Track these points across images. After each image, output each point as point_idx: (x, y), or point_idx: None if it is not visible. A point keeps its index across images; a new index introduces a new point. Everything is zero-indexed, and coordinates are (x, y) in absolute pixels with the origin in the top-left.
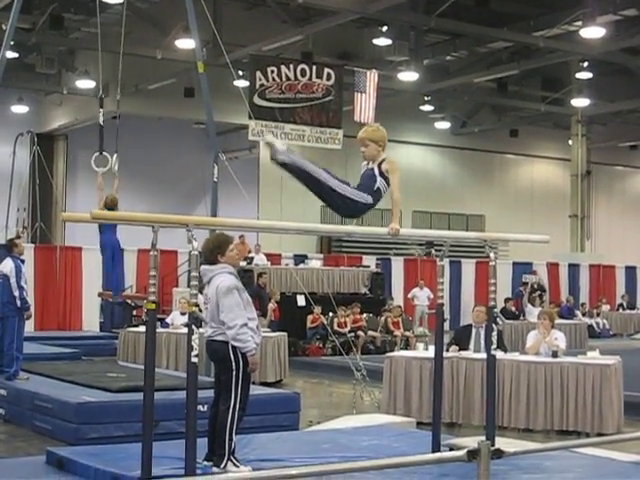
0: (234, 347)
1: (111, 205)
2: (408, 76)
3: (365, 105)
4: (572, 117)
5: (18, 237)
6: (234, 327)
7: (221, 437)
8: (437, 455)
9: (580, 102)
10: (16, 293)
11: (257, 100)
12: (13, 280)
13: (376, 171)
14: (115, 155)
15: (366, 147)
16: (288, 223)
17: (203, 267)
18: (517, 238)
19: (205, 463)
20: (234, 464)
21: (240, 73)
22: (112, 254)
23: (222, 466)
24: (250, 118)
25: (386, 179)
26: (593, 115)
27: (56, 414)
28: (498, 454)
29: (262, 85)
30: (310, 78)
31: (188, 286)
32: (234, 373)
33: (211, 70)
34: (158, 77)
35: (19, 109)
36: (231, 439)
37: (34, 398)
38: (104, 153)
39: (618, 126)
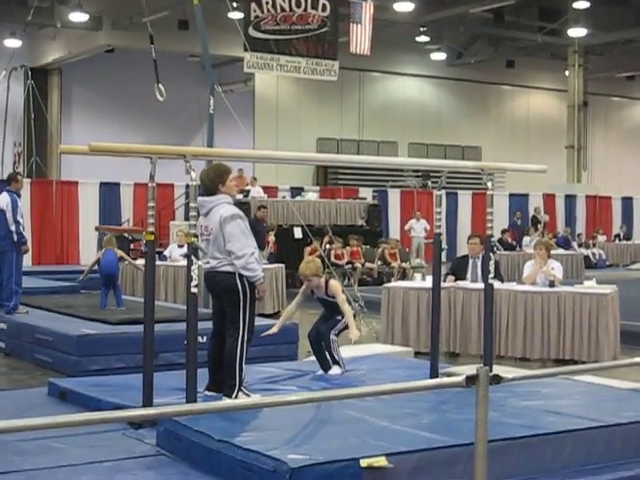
0: (241, 277)
1: None
2: (404, 6)
3: (361, 36)
4: (569, 47)
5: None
6: (243, 256)
7: (231, 368)
8: (436, 381)
9: (577, 32)
10: (12, 227)
11: (252, 32)
12: (9, 215)
13: (327, 297)
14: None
15: (310, 281)
16: (287, 153)
17: (201, 198)
18: (515, 167)
19: (206, 392)
20: (245, 394)
21: (234, 5)
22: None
23: (233, 396)
24: (245, 50)
25: (331, 297)
26: (590, 45)
27: (56, 347)
28: (497, 380)
29: (257, 17)
30: (305, 9)
31: (185, 219)
32: (241, 304)
33: (205, 2)
34: (152, 10)
35: (12, 43)
36: (241, 369)
37: (34, 331)
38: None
39: (615, 56)
